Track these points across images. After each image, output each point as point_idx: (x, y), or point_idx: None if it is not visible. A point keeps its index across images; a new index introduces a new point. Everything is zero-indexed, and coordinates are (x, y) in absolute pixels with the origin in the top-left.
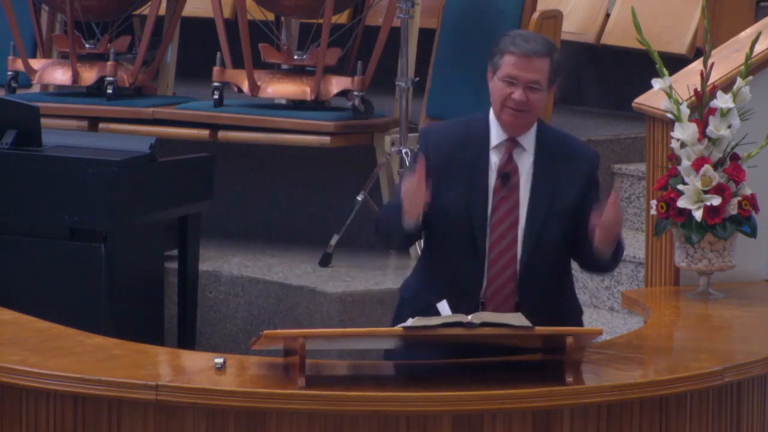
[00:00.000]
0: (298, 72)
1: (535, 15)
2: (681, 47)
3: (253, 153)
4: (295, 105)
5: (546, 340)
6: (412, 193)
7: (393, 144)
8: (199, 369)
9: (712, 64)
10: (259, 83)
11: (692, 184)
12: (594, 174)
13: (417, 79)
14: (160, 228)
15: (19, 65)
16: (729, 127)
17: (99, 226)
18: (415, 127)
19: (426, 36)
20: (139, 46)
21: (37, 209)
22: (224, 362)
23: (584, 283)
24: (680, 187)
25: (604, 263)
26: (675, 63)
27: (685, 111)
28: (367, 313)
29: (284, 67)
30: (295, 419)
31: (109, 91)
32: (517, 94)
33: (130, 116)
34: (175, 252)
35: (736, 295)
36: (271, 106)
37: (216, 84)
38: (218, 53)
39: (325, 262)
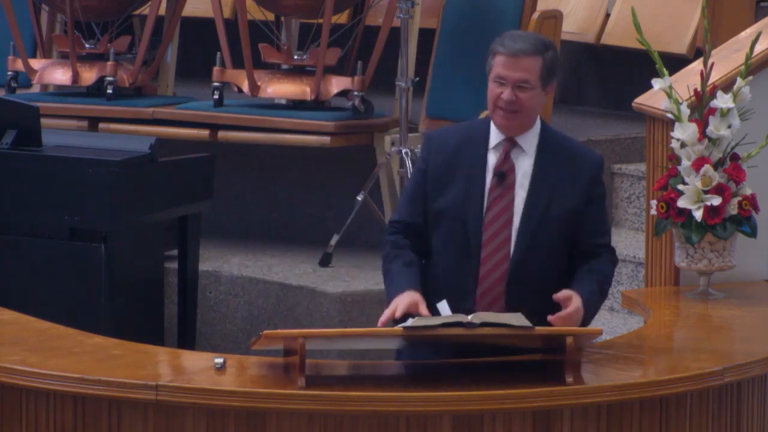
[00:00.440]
0: (298, 72)
1: (535, 15)
2: (681, 47)
3: (253, 153)
4: (295, 105)
5: (546, 340)
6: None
7: (393, 144)
8: (199, 369)
9: (712, 64)
10: (259, 83)
11: (692, 184)
12: (596, 177)
13: (417, 79)
14: (160, 228)
15: (19, 65)
16: (729, 127)
17: (99, 226)
18: (415, 127)
19: (426, 36)
20: (139, 46)
21: (37, 209)
22: (224, 362)
23: None
24: (680, 187)
25: None
26: (675, 63)
27: (685, 111)
28: (367, 313)
29: (284, 67)
30: (295, 419)
31: (109, 91)
32: (506, 93)
33: (130, 116)
34: (175, 252)
35: (736, 295)
36: (271, 106)
37: (216, 84)
38: (218, 53)
39: (325, 262)
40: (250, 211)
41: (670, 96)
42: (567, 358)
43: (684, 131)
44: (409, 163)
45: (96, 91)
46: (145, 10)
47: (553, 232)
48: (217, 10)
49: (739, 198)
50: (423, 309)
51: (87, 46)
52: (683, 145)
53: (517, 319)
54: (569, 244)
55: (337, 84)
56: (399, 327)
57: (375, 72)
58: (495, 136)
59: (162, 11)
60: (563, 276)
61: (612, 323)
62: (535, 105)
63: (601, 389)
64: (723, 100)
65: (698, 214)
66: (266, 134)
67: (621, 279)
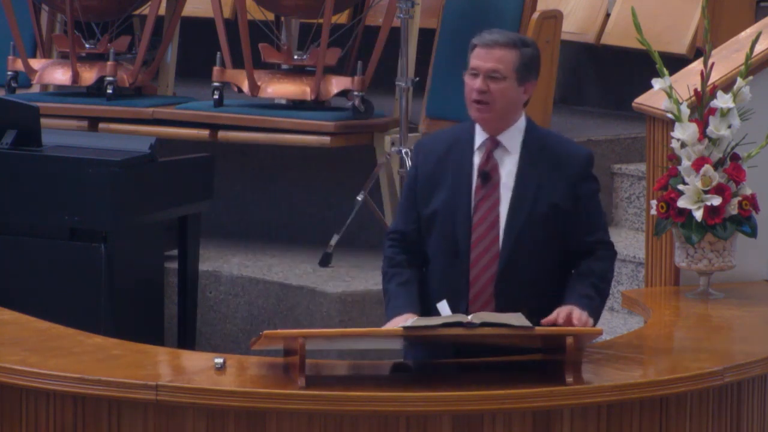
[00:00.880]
0: (298, 72)
1: (535, 15)
2: (681, 47)
3: (253, 153)
4: (295, 105)
5: (546, 340)
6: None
7: (393, 144)
8: (199, 369)
9: (712, 64)
10: (259, 83)
11: (692, 184)
12: (583, 174)
13: (417, 79)
14: (160, 228)
15: (19, 65)
16: (729, 127)
17: (99, 226)
18: (415, 127)
19: (426, 36)
20: (139, 46)
21: (37, 209)
22: (224, 362)
23: None
24: (680, 187)
25: None
26: (675, 63)
27: (685, 111)
28: (367, 313)
29: (284, 67)
30: (295, 419)
31: (109, 91)
32: (477, 83)
33: (130, 116)
34: (175, 252)
35: (736, 295)
36: (271, 106)
37: (216, 84)
38: (218, 53)
39: (325, 262)
40: (250, 211)
41: (670, 96)
42: (567, 358)
43: (684, 131)
44: (409, 163)
45: (96, 91)
46: (145, 10)
47: (540, 230)
48: (217, 10)
49: (739, 198)
50: None
51: (87, 46)
52: (683, 145)
53: (517, 319)
54: (560, 242)
55: (337, 84)
56: (399, 327)
57: (375, 72)
58: (479, 137)
59: (162, 11)
60: (556, 275)
61: (612, 323)
62: (508, 97)
63: (601, 389)
64: (723, 100)
65: (698, 214)
66: (266, 134)
67: (621, 279)
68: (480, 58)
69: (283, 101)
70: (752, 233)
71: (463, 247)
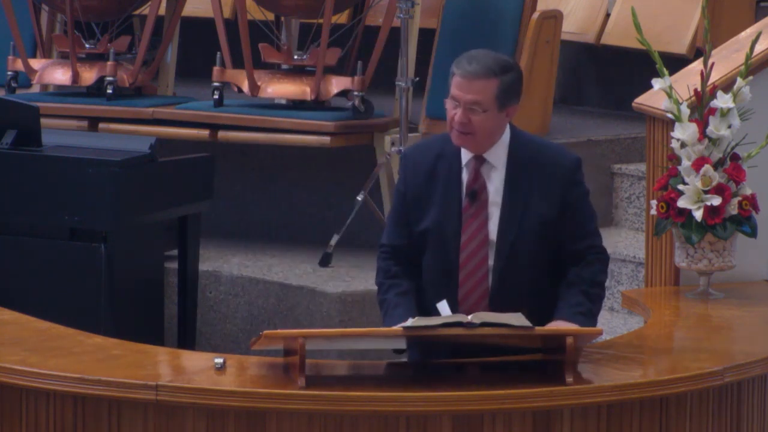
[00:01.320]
0: (298, 72)
1: (535, 15)
2: (681, 47)
3: (253, 153)
4: (295, 105)
5: (546, 340)
6: None
7: (393, 144)
8: (199, 369)
9: (712, 64)
10: (259, 83)
11: (692, 184)
12: (571, 181)
13: (417, 79)
14: (160, 228)
15: (19, 65)
16: (729, 127)
17: (99, 226)
18: (415, 127)
19: (426, 36)
20: (139, 46)
21: (37, 209)
22: (224, 362)
23: None
24: (680, 187)
25: None
26: (675, 63)
27: (685, 111)
28: (367, 313)
29: (284, 67)
30: (295, 419)
31: (109, 91)
32: (459, 115)
33: (130, 116)
34: (175, 252)
35: (736, 295)
36: (271, 106)
37: (216, 84)
38: (218, 53)
39: (325, 262)
40: (250, 211)
41: (670, 96)
42: (567, 358)
43: (684, 131)
44: None
45: (96, 91)
46: (145, 10)
47: (530, 245)
48: (217, 10)
49: (739, 198)
50: None
51: (87, 46)
52: (683, 145)
53: (517, 319)
54: (550, 253)
55: (337, 84)
56: (399, 327)
57: (375, 72)
58: (465, 153)
59: (162, 11)
60: (549, 284)
61: (612, 323)
62: (489, 127)
63: (601, 389)
64: (723, 100)
65: (698, 214)
66: (266, 134)
67: (621, 279)
68: (460, 89)
69: (283, 101)
70: (752, 233)
71: (453, 266)
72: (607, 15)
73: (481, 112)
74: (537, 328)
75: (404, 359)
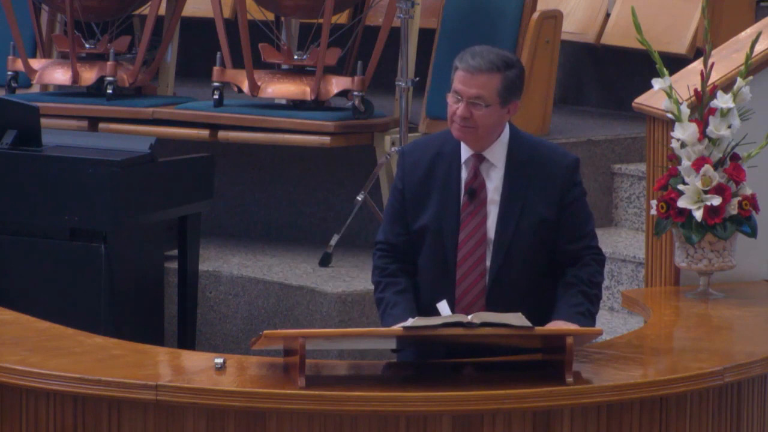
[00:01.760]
0: (298, 72)
1: (535, 15)
2: (681, 47)
3: (253, 153)
4: (295, 105)
5: (546, 340)
6: None
7: (393, 144)
8: (199, 369)
9: (712, 64)
10: (259, 83)
11: (692, 184)
12: (569, 181)
13: (417, 79)
14: (160, 228)
15: (19, 65)
16: (729, 127)
17: (99, 226)
18: (415, 127)
19: (426, 36)
20: (139, 46)
21: (37, 209)
22: (224, 362)
23: None
24: (680, 187)
25: None
26: (675, 63)
27: (685, 111)
28: (366, 313)
29: (284, 67)
30: (295, 419)
31: (109, 91)
32: (461, 109)
33: (130, 116)
34: (175, 252)
35: (736, 295)
36: (271, 106)
37: (216, 84)
38: (218, 53)
39: (325, 262)
40: (250, 211)
41: (670, 96)
42: (567, 358)
43: (684, 131)
44: None
45: (96, 91)
46: (145, 10)
47: (527, 244)
48: (217, 10)
49: (739, 198)
50: None
51: (87, 46)
52: (683, 145)
53: (517, 319)
54: (547, 253)
55: (337, 84)
56: (399, 326)
57: (375, 72)
58: (465, 151)
59: (162, 11)
60: (546, 285)
61: (612, 323)
62: (491, 122)
63: (601, 389)
64: (723, 100)
65: (698, 214)
66: (266, 134)
67: (621, 279)
68: (463, 83)
69: (283, 101)
70: (752, 233)
71: (450, 264)
72: (607, 15)
73: (484, 107)
74: (537, 328)
75: (395, 358)
